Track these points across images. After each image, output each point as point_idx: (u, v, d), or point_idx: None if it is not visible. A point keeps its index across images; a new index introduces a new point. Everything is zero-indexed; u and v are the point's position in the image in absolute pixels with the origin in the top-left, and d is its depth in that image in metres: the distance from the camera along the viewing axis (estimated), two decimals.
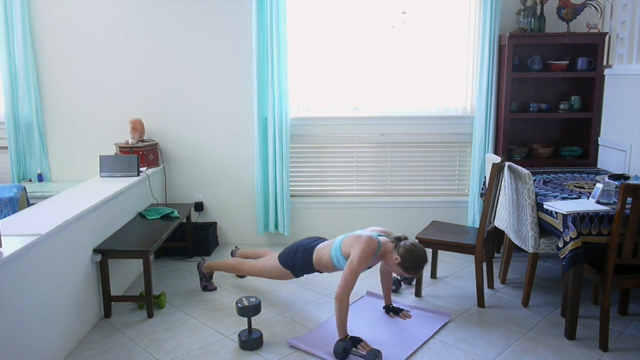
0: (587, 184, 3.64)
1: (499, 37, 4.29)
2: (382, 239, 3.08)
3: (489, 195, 3.37)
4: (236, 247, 3.94)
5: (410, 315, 3.34)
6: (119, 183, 3.85)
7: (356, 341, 2.86)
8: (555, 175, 3.93)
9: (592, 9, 4.27)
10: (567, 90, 4.48)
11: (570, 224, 2.88)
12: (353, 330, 3.15)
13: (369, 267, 3.12)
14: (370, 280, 3.94)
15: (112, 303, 3.40)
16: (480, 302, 3.47)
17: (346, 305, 2.88)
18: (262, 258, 3.61)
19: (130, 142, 4.35)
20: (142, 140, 4.43)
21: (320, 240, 3.41)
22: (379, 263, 3.25)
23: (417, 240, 3.57)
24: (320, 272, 3.39)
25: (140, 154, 4.26)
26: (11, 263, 2.41)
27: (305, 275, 3.44)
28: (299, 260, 3.33)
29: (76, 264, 3.07)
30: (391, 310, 3.37)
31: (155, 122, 4.59)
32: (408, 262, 2.95)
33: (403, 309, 3.38)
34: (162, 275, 4.09)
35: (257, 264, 3.57)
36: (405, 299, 3.63)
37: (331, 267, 3.25)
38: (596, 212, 2.90)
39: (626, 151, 3.91)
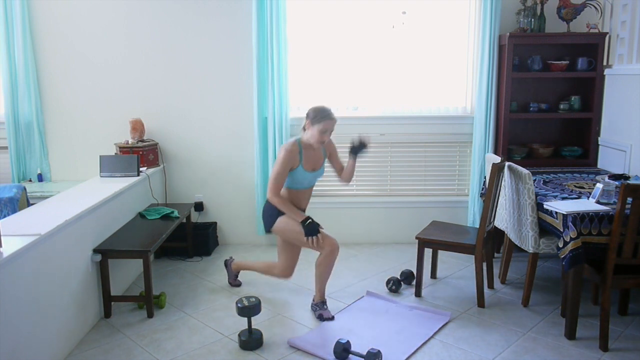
0: (587, 184, 3.64)
1: (499, 37, 4.29)
2: (299, 136, 3.35)
3: (489, 195, 3.37)
4: (231, 257, 3.92)
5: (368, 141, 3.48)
6: (119, 183, 3.85)
7: (317, 227, 3.20)
8: (555, 175, 3.93)
9: (592, 9, 4.27)
10: (567, 90, 4.48)
11: (570, 224, 2.88)
12: (353, 330, 3.16)
13: (315, 169, 3.37)
14: (371, 280, 3.94)
15: (112, 303, 3.40)
16: (480, 302, 3.47)
17: (279, 200, 3.23)
18: (279, 264, 3.59)
19: (130, 142, 4.35)
20: (142, 140, 4.43)
21: None
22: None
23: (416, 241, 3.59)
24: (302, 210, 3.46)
25: (140, 154, 4.26)
26: (11, 263, 2.41)
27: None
28: (267, 207, 3.38)
29: (76, 264, 3.07)
30: (351, 151, 3.48)
31: (155, 122, 4.59)
32: (313, 112, 3.25)
33: (362, 142, 3.47)
34: (162, 275, 4.09)
35: (281, 262, 3.55)
36: (405, 299, 3.63)
37: (291, 194, 3.43)
38: (596, 212, 2.90)
39: (626, 151, 3.91)
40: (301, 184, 3.37)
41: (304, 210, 3.46)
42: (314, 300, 3.44)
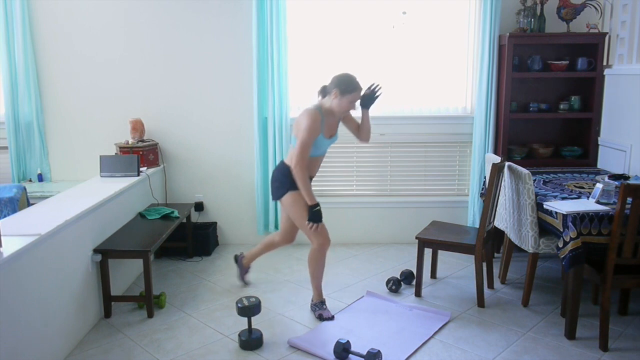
0: (587, 184, 3.64)
1: (499, 37, 4.29)
2: (317, 103, 3.27)
3: (489, 195, 3.37)
4: (241, 252, 3.92)
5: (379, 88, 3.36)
6: (119, 183, 3.85)
7: (321, 216, 3.18)
8: (555, 175, 3.93)
9: (592, 9, 4.27)
10: (567, 90, 4.48)
11: (570, 224, 2.88)
12: (353, 330, 3.16)
13: (332, 136, 3.30)
14: (371, 280, 3.94)
15: (112, 303, 3.40)
16: (480, 302, 3.47)
17: (302, 174, 3.12)
18: (280, 231, 3.60)
19: (130, 142, 4.35)
20: (142, 140, 4.43)
21: None
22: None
23: (417, 241, 3.59)
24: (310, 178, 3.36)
25: (140, 154, 4.26)
26: (11, 263, 2.41)
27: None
28: (278, 175, 3.32)
29: (76, 264, 3.07)
30: (362, 103, 3.36)
31: (155, 122, 4.59)
32: (343, 83, 3.14)
33: (372, 92, 3.35)
34: (162, 275, 4.09)
35: (283, 228, 3.54)
36: (405, 299, 3.63)
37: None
38: (596, 212, 2.90)
39: (626, 151, 3.91)
40: (319, 151, 3.30)
41: (312, 178, 3.38)
42: (312, 300, 3.44)
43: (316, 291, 3.41)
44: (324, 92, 3.26)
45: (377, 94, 3.36)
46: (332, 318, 3.31)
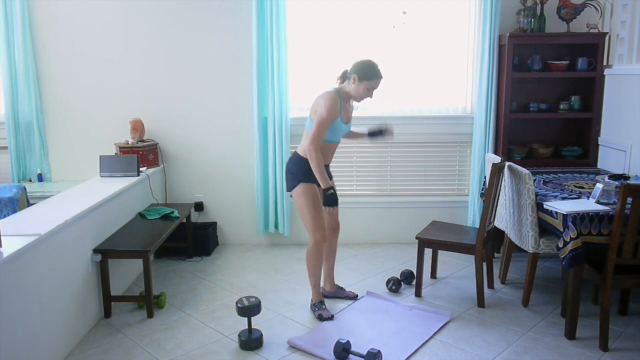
0: (587, 184, 3.64)
1: (499, 37, 4.29)
2: (336, 87, 3.24)
3: (489, 195, 3.37)
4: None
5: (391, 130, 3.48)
6: (119, 183, 3.85)
7: (336, 199, 3.16)
8: (555, 175, 3.93)
9: (592, 9, 4.27)
10: (567, 90, 4.48)
11: (570, 224, 2.88)
12: (353, 330, 3.16)
13: (348, 122, 3.30)
14: (371, 280, 3.94)
15: (112, 303, 3.40)
16: (480, 302, 3.47)
17: (316, 155, 3.07)
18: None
19: (130, 142, 4.35)
20: (142, 140, 4.43)
21: None
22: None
23: (417, 240, 3.59)
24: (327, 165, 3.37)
25: (140, 154, 4.26)
26: (11, 263, 2.41)
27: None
28: (291, 166, 3.28)
29: (76, 264, 3.07)
30: (369, 134, 3.50)
31: (155, 122, 4.59)
32: (363, 70, 3.12)
33: (381, 130, 3.48)
34: (162, 275, 4.09)
35: (307, 226, 3.30)
36: (405, 299, 3.63)
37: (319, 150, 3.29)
38: (596, 212, 2.90)
39: (626, 151, 3.91)
40: (335, 136, 3.25)
41: (327, 167, 3.37)
42: (312, 300, 3.44)
43: (314, 290, 3.41)
44: (344, 76, 3.23)
45: (385, 134, 3.48)
46: (332, 318, 3.31)
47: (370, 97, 3.23)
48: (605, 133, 4.26)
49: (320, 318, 3.30)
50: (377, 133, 3.49)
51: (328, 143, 3.24)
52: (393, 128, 3.51)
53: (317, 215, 3.25)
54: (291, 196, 3.37)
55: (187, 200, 4.70)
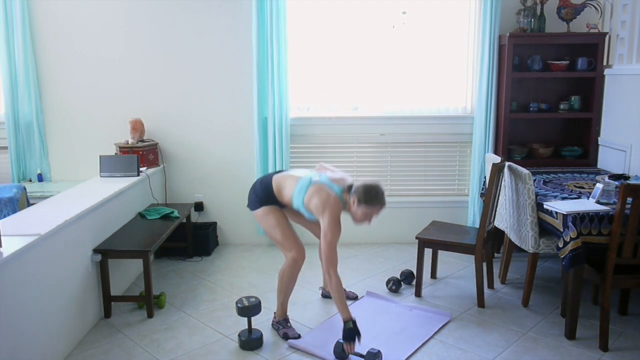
0: (587, 184, 3.64)
1: (499, 37, 4.29)
2: (338, 189, 2.97)
3: (489, 195, 3.37)
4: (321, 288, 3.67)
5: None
6: (119, 183, 3.85)
7: (356, 332, 2.81)
8: (555, 175, 3.93)
9: (592, 9, 4.27)
10: (567, 90, 4.48)
11: (570, 224, 2.88)
12: None
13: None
14: (371, 280, 3.94)
15: (112, 303, 3.40)
16: (480, 302, 3.47)
17: (337, 281, 2.85)
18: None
19: (130, 142, 4.35)
20: (142, 140, 4.43)
21: (280, 171, 3.26)
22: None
23: (417, 240, 3.59)
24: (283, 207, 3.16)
25: (140, 154, 4.26)
26: (11, 263, 2.41)
27: (276, 205, 3.11)
28: (258, 189, 3.12)
29: (76, 264, 3.07)
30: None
31: (155, 122, 4.59)
32: (363, 193, 2.86)
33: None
34: (162, 275, 4.09)
35: (280, 245, 3.15)
36: (405, 299, 3.63)
37: (290, 207, 3.13)
38: (596, 212, 2.90)
39: (626, 151, 3.91)
40: (306, 213, 3.06)
41: (284, 206, 3.13)
42: (275, 317, 3.22)
43: (281, 308, 3.19)
44: (349, 190, 2.97)
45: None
46: (298, 337, 3.08)
47: (369, 223, 2.99)
48: (605, 133, 4.26)
49: (286, 337, 3.07)
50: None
51: (295, 209, 3.07)
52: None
53: (287, 231, 3.08)
54: (254, 215, 3.17)
55: (187, 200, 4.69)
